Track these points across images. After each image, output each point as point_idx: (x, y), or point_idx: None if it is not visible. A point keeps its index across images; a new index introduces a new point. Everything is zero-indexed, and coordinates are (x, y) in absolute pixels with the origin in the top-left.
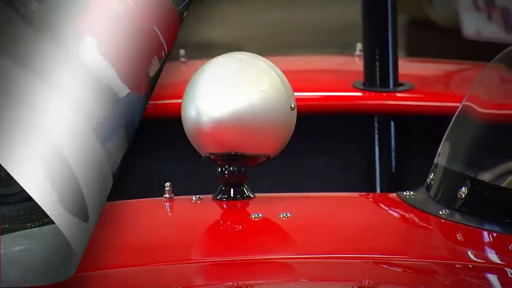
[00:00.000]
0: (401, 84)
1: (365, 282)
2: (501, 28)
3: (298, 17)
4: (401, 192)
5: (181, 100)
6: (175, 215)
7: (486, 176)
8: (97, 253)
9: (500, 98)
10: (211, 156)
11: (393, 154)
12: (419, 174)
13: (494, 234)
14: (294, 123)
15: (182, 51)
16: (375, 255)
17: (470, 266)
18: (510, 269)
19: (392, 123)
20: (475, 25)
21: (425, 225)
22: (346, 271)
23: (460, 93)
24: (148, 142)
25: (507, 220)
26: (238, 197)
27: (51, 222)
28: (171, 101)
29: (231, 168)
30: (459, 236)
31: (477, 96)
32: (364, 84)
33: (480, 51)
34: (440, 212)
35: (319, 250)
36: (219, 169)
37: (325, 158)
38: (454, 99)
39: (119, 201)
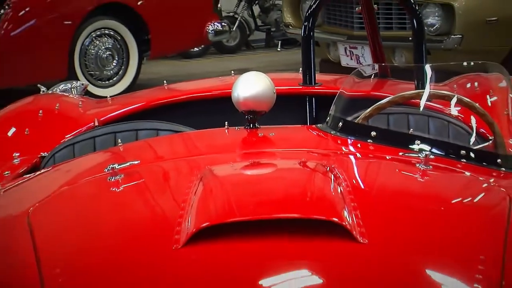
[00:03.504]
0: (317, 83)
1: (302, 159)
2: (356, 62)
3: (280, 59)
4: (317, 124)
5: (231, 90)
6: (229, 135)
7: (349, 118)
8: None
9: (353, 88)
10: (243, 111)
11: (314, 112)
12: (326, 119)
13: (352, 140)
14: (275, 99)
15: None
16: (306, 148)
17: (343, 153)
18: (359, 155)
19: (313, 99)
20: (346, 61)
21: (325, 137)
22: (297, 155)
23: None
24: (218, 110)
25: (357, 134)
26: (253, 127)
27: None
28: (228, 90)
29: (251, 116)
30: (339, 141)
31: (345, 88)
32: (303, 83)
33: (348, 71)
34: (331, 132)
35: (287, 146)
36: (246, 116)
37: (286, 115)
38: (339, 89)
39: (202, 129)
